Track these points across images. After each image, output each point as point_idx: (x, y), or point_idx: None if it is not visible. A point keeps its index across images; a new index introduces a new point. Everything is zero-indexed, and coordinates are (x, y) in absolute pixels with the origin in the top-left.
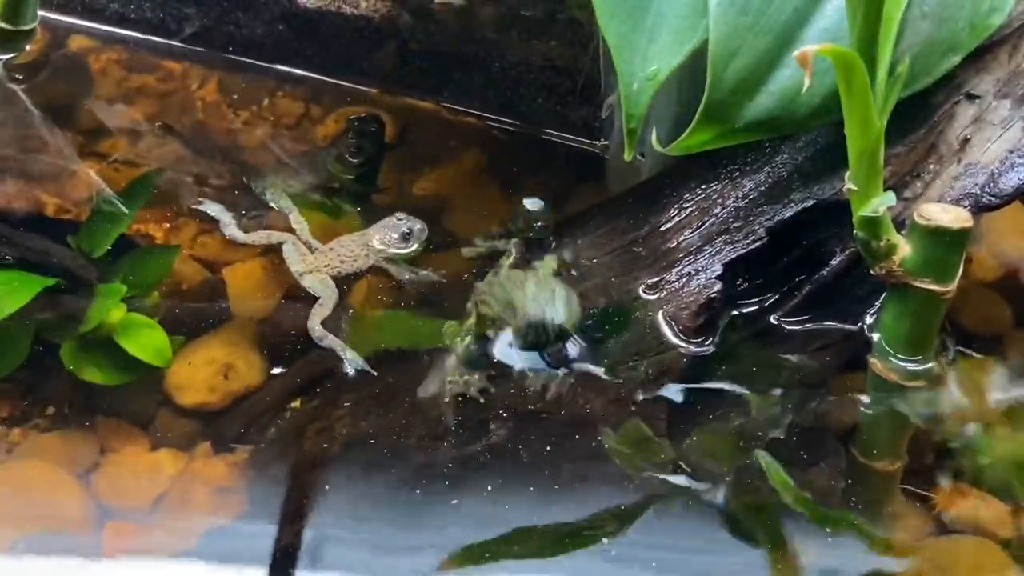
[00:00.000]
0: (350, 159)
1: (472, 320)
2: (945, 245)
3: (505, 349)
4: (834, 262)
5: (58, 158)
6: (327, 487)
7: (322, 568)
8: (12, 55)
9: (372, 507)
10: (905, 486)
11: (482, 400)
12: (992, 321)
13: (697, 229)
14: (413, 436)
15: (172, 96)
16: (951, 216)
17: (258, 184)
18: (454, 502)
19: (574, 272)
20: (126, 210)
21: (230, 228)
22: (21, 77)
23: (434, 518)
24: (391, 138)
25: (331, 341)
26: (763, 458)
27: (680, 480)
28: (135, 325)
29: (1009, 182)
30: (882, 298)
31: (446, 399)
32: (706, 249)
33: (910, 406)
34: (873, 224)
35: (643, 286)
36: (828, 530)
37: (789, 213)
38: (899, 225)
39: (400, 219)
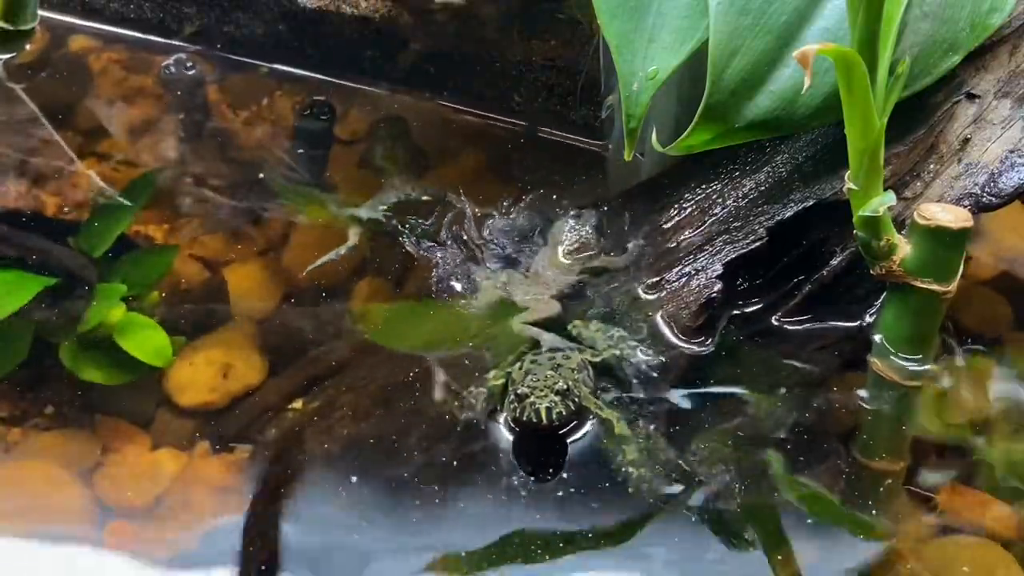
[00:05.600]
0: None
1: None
2: (945, 245)
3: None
4: (834, 262)
5: (58, 158)
6: (326, 487)
7: (321, 568)
8: (12, 55)
9: (371, 507)
10: (906, 486)
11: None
12: (992, 321)
13: (697, 229)
14: (413, 436)
15: (172, 96)
16: (951, 216)
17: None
18: (455, 503)
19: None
20: (128, 203)
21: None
22: (21, 77)
23: (434, 519)
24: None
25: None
26: (774, 459)
27: (680, 478)
28: (135, 325)
29: (1009, 182)
30: (882, 298)
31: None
32: (706, 249)
33: (911, 406)
34: (873, 224)
35: (643, 286)
36: (829, 529)
37: (789, 213)
38: (899, 225)
39: (575, 215)
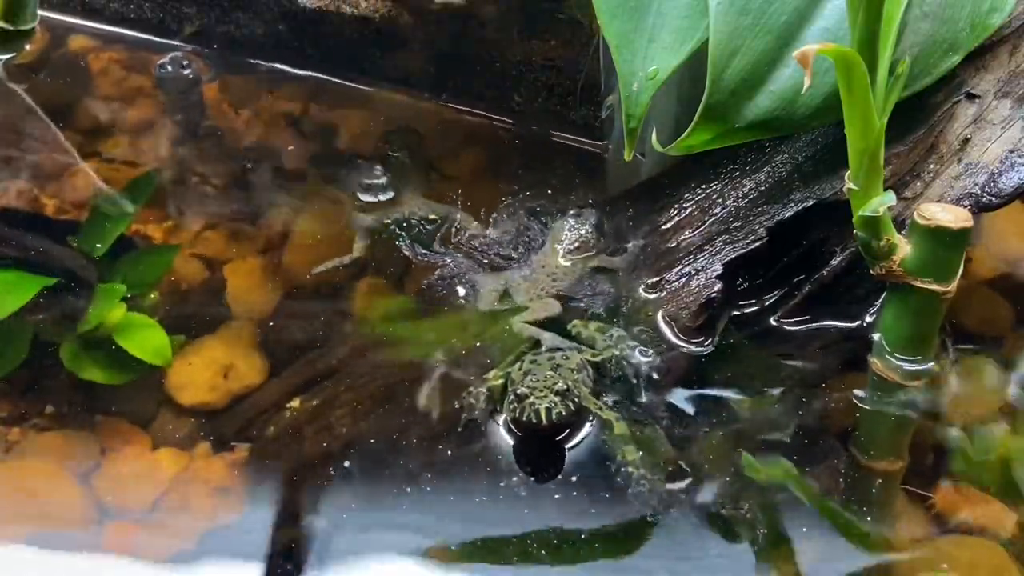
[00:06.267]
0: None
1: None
2: (945, 245)
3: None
4: (834, 262)
5: (58, 158)
6: (326, 487)
7: (321, 568)
8: (12, 55)
9: (371, 506)
10: (905, 486)
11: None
12: (992, 321)
13: (697, 229)
14: (412, 436)
15: (171, 96)
16: (951, 216)
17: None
18: (454, 502)
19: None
20: (129, 208)
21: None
22: (21, 77)
23: (433, 518)
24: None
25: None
26: (773, 458)
27: (679, 479)
28: (135, 325)
29: (1009, 182)
30: (882, 298)
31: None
32: (706, 249)
33: (910, 406)
34: (873, 224)
35: (643, 285)
36: (828, 529)
37: (789, 213)
38: (899, 225)
39: (575, 215)
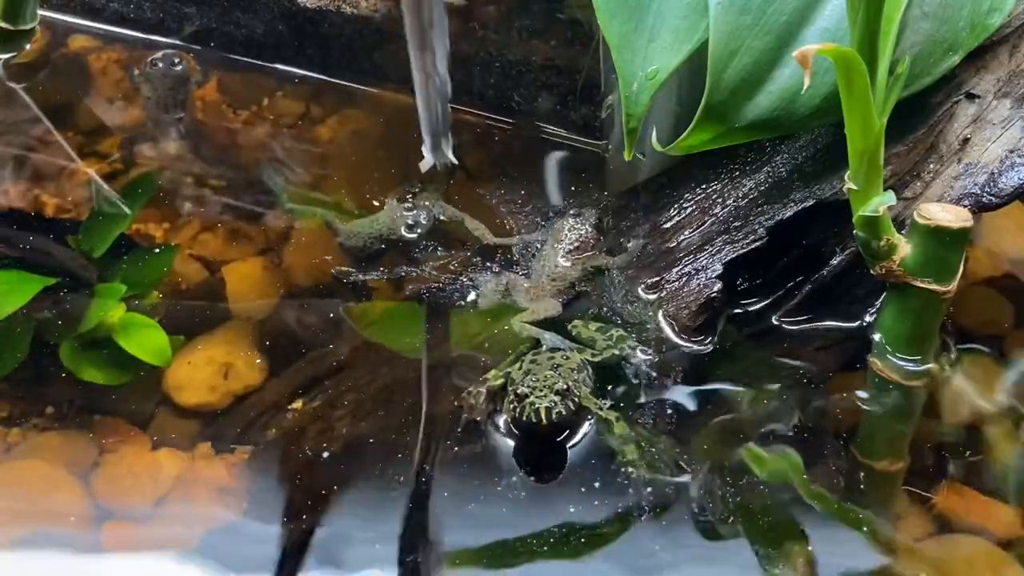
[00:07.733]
0: None
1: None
2: (945, 244)
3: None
4: (834, 262)
5: (58, 158)
6: (326, 487)
7: (321, 568)
8: (12, 55)
9: (371, 507)
10: (905, 486)
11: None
12: (992, 321)
13: (697, 229)
14: (412, 436)
15: (172, 96)
16: (951, 215)
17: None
18: (454, 502)
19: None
20: (127, 210)
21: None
22: (21, 77)
23: (433, 517)
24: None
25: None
26: (753, 451)
27: (680, 478)
28: (135, 325)
29: (1009, 182)
30: (882, 298)
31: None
32: (706, 249)
33: (910, 406)
34: (873, 224)
35: (643, 285)
36: (828, 529)
37: (789, 213)
38: (899, 225)
39: (575, 215)
